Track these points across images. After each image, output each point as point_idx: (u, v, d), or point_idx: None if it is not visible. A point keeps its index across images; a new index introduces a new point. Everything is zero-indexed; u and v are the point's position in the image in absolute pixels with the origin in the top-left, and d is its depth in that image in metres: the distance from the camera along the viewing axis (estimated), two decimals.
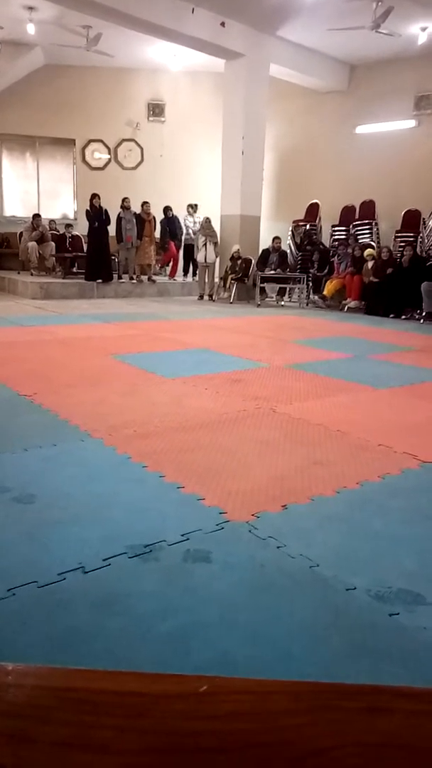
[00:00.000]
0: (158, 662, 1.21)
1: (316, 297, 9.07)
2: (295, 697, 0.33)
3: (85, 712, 0.32)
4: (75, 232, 10.35)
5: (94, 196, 8.80)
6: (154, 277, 9.85)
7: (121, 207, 9.08)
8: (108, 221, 8.88)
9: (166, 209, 9.69)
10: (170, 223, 9.70)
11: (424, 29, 8.07)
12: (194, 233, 9.81)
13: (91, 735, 0.30)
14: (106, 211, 8.82)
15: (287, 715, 0.31)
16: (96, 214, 8.75)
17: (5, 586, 1.44)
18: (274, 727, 0.30)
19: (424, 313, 7.51)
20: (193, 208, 9.88)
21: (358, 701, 0.32)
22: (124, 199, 9.12)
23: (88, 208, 8.82)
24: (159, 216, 9.73)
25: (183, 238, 10.13)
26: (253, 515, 1.87)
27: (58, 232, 10.16)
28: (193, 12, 7.91)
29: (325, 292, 8.83)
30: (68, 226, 10.36)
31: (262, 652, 1.26)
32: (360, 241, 9.12)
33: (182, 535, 1.72)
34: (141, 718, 0.32)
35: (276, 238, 9.35)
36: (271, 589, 1.49)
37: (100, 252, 8.93)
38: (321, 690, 0.33)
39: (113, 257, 9.40)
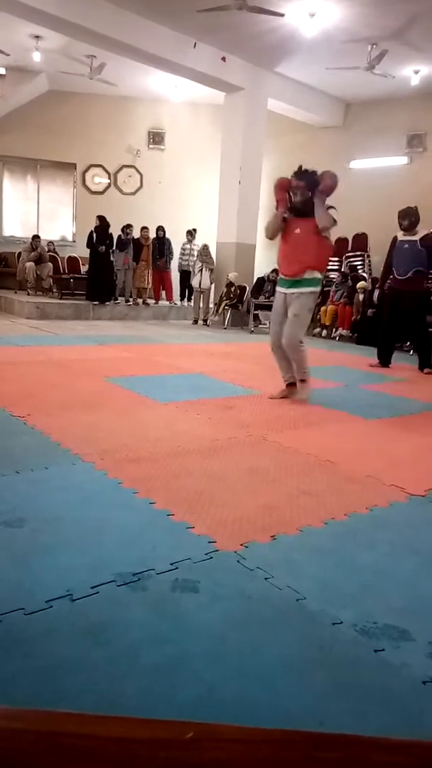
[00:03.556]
0: (143, 696, 1.20)
1: (319, 328, 9.12)
2: (278, 747, 0.35)
3: (71, 759, 0.33)
4: (72, 254, 10.46)
5: (103, 218, 8.92)
6: (149, 301, 9.94)
7: (123, 232, 9.22)
8: (111, 244, 9.01)
9: (159, 229, 9.82)
10: (160, 243, 9.83)
11: (416, 72, 8.36)
12: (190, 257, 9.93)
13: None
14: (111, 234, 8.96)
15: (270, 765, 0.33)
16: (104, 236, 8.85)
17: None
18: None
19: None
20: (191, 234, 10.03)
21: (337, 752, 0.34)
22: (128, 226, 9.28)
23: (96, 228, 8.90)
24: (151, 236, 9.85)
25: (179, 263, 10.24)
26: (242, 545, 1.88)
27: (57, 254, 10.26)
28: (195, 46, 8.16)
29: (323, 321, 8.93)
30: (63, 246, 10.47)
31: (248, 687, 1.26)
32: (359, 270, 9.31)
33: (171, 564, 1.71)
34: (126, 766, 0.33)
35: (274, 270, 9.50)
36: (258, 621, 1.49)
37: (102, 273, 9.02)
38: (302, 739, 0.35)
39: (114, 279, 9.51)
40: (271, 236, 4.10)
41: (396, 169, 9.75)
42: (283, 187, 3.97)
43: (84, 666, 1.28)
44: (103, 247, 8.85)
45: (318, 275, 3.98)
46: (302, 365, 4.02)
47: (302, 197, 3.89)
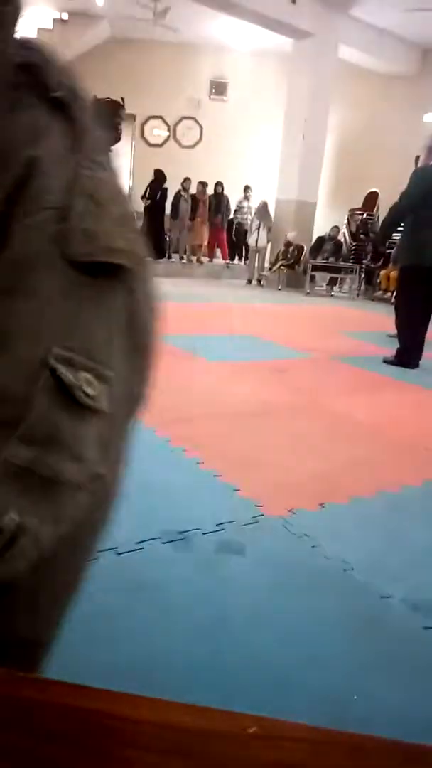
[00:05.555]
0: (187, 653, 1.21)
1: (380, 292, 8.78)
2: (351, 752, 0.30)
3: (118, 743, 0.30)
4: None
5: (159, 172, 8.84)
6: (203, 259, 9.82)
7: (182, 187, 9.11)
8: (164, 199, 8.91)
9: (217, 185, 9.62)
10: (218, 199, 9.64)
11: None
12: (247, 215, 9.72)
13: None
14: (166, 189, 8.86)
15: None
16: (157, 190, 8.77)
17: None
18: None
19: None
20: (250, 189, 9.83)
21: (423, 765, 0.29)
22: (185, 180, 9.15)
23: (151, 182, 8.83)
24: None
25: (235, 220, 10.04)
26: (288, 511, 1.84)
27: None
28: None
29: (383, 285, 8.59)
30: None
31: (290, 653, 1.24)
32: None
33: (217, 525, 1.70)
34: (179, 758, 0.30)
35: (335, 227, 9.15)
36: (303, 589, 1.47)
37: (157, 229, 8.97)
38: (383, 748, 0.31)
39: (166, 236, 9.43)
40: None
41: None
42: None
43: (128, 618, 1.29)
44: (149, 200, 8.76)
45: None
46: None
47: None
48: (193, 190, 9.39)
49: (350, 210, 9.97)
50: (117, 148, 4.09)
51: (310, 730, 0.31)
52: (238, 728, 0.31)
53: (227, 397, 3.01)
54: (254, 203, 9.60)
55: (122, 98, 3.87)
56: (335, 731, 0.31)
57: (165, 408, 2.73)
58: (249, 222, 9.54)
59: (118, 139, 3.80)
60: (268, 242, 9.24)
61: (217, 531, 1.67)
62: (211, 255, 10.03)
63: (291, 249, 9.09)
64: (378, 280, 8.78)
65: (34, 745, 0.29)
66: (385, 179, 9.86)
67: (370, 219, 9.70)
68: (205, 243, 9.83)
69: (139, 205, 9.32)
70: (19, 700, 0.32)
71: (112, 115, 3.73)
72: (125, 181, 11.47)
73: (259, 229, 9.07)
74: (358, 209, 9.89)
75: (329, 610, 1.39)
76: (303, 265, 9.08)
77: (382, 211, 9.83)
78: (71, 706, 0.32)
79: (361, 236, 9.44)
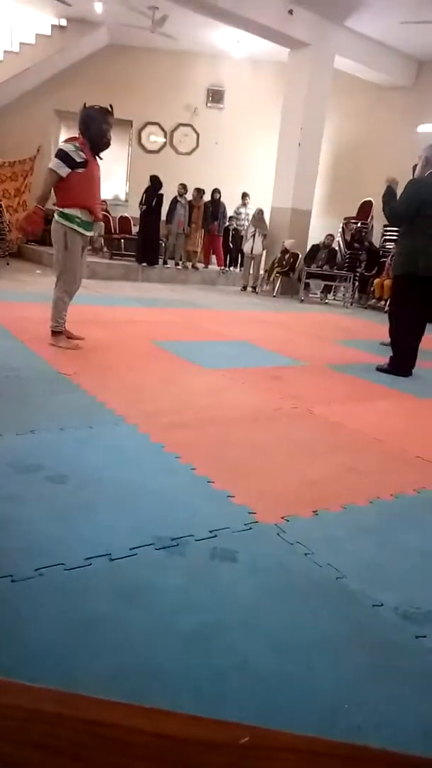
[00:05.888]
0: (178, 660, 1.20)
1: (374, 300, 8.83)
2: (345, 763, 0.31)
3: (115, 752, 0.30)
4: (125, 214, 10.42)
5: (155, 178, 8.86)
6: (198, 265, 9.84)
7: (178, 193, 9.14)
8: (160, 205, 8.93)
9: (215, 192, 9.64)
10: (215, 206, 9.65)
11: None
12: (244, 221, 9.76)
13: None
14: (161, 195, 8.88)
15: None
16: (152, 196, 8.78)
17: (33, 564, 1.46)
18: None
19: None
20: (245, 197, 9.86)
21: None
22: (181, 185, 9.18)
23: (147, 188, 8.85)
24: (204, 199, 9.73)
25: (231, 226, 10.07)
26: (282, 518, 1.84)
27: (109, 214, 10.24)
28: None
29: (377, 294, 8.64)
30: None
31: (283, 661, 1.24)
32: None
33: (210, 532, 1.70)
34: (172, 767, 0.30)
35: (329, 235, 9.20)
36: (296, 596, 1.47)
37: (153, 235, 8.99)
38: (377, 758, 0.31)
39: (161, 242, 9.44)
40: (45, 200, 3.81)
41: None
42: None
43: (120, 625, 1.28)
44: (144, 206, 8.77)
45: None
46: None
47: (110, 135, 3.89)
48: (188, 196, 9.41)
49: (345, 218, 10.04)
50: (109, 154, 4.13)
51: (301, 739, 0.31)
52: (232, 738, 0.32)
53: (221, 404, 3.01)
54: (252, 210, 9.65)
55: (111, 105, 3.95)
56: (327, 741, 0.31)
57: (159, 414, 2.73)
58: (245, 229, 9.59)
59: (107, 145, 3.89)
60: (263, 249, 9.29)
61: (210, 538, 1.67)
62: (207, 261, 10.05)
63: (287, 256, 9.14)
64: (372, 289, 8.84)
65: (27, 755, 0.29)
66: (380, 188, 9.92)
67: (365, 228, 9.77)
68: (199, 249, 9.85)
69: (136, 211, 9.34)
70: (12, 708, 0.32)
71: (101, 121, 3.81)
72: (121, 187, 11.51)
73: (254, 236, 9.11)
74: (353, 218, 9.96)
75: (322, 618, 1.39)
76: (297, 272, 9.13)
77: (377, 220, 9.93)
78: (64, 715, 0.32)
79: (356, 245, 9.50)
